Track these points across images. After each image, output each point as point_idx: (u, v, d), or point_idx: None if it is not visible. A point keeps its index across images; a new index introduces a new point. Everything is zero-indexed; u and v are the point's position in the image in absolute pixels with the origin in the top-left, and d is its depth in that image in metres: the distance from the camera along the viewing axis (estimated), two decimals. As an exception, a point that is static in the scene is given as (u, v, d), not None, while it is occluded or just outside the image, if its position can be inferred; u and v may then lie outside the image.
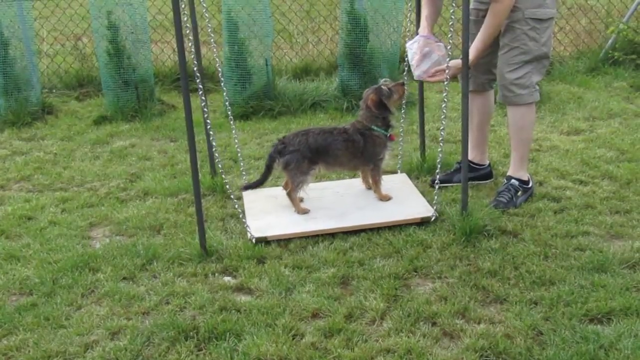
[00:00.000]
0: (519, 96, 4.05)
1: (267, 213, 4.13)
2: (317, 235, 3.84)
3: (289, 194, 4.14)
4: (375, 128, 4.12)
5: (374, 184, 4.26)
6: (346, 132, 4.12)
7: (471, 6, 4.15)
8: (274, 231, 3.87)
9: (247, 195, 4.38)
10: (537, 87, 4.09)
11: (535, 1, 3.89)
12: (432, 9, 4.25)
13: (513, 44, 3.97)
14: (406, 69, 4.41)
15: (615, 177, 4.52)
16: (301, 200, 4.19)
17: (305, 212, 4.11)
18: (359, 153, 4.13)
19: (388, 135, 4.16)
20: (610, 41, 7.53)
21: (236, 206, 4.06)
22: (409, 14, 4.62)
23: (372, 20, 6.31)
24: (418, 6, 4.58)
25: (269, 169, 4.16)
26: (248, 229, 3.86)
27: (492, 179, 4.56)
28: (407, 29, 4.84)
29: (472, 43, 3.93)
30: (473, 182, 4.44)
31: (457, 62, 3.88)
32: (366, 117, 4.13)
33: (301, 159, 4.02)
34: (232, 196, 4.09)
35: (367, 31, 6.27)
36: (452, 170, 4.56)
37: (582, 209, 4.07)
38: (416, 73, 4.16)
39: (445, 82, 3.88)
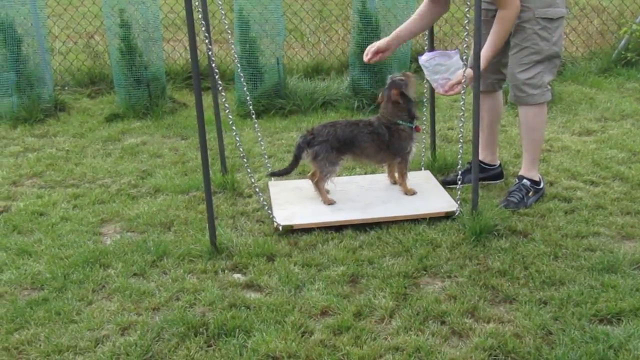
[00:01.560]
0: (530, 96, 4.04)
1: (292, 203, 4.20)
2: (328, 234, 3.85)
3: (316, 184, 4.20)
4: (400, 122, 4.16)
5: (400, 177, 4.31)
6: (371, 124, 4.18)
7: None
8: (300, 220, 3.94)
9: (273, 187, 4.46)
10: (549, 87, 4.08)
11: (545, 0, 3.88)
12: (413, 26, 4.30)
13: (524, 43, 3.96)
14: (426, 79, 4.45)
15: (627, 178, 4.50)
16: (327, 192, 4.24)
17: (331, 203, 4.17)
18: (384, 146, 4.18)
19: (414, 127, 4.21)
20: (622, 42, 7.50)
21: (261, 199, 4.10)
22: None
23: (384, 19, 6.31)
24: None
25: (297, 159, 4.21)
26: (274, 218, 3.92)
27: (502, 179, 4.55)
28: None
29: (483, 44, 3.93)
30: (484, 182, 4.43)
31: (469, 72, 3.87)
32: (390, 112, 4.18)
33: (330, 150, 4.08)
34: (256, 188, 4.11)
35: (379, 30, 6.27)
36: (462, 170, 4.54)
37: (593, 210, 4.06)
38: (436, 87, 4.15)
39: (462, 92, 3.88)
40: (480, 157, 4.47)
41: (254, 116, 4.66)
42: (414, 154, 4.31)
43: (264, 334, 2.93)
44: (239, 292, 3.30)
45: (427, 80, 4.25)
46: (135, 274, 3.53)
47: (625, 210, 4.05)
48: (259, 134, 4.71)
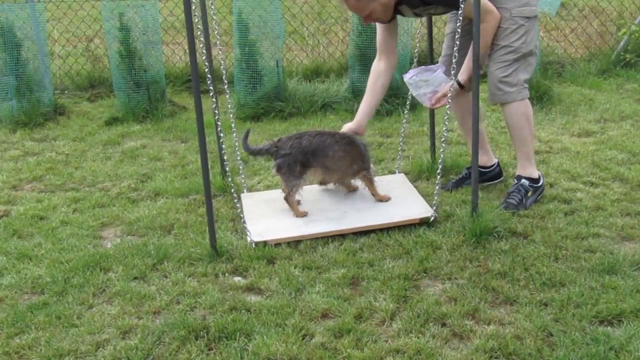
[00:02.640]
0: (507, 94, 4.04)
1: (266, 217, 4.11)
2: (326, 236, 3.84)
3: (285, 198, 4.11)
4: None
5: (371, 187, 4.23)
6: (349, 136, 4.13)
7: (452, 28, 4.24)
8: (273, 235, 3.85)
9: (246, 199, 4.38)
10: (525, 85, 4.09)
11: (521, 0, 3.94)
12: (373, 95, 4.37)
13: (502, 42, 3.99)
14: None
15: (626, 179, 4.50)
16: (298, 203, 4.19)
17: (303, 215, 4.09)
18: (360, 157, 4.13)
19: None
20: (622, 43, 7.51)
21: (240, 211, 4.06)
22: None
23: (383, 21, 6.31)
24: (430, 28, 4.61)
25: (257, 152, 4.15)
26: (248, 233, 3.85)
27: (502, 178, 4.55)
28: (417, 31, 4.84)
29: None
30: (483, 183, 4.44)
31: (455, 85, 3.98)
32: None
33: (293, 163, 4.00)
34: (235, 200, 4.07)
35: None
36: (460, 176, 4.53)
37: (593, 211, 4.06)
38: (423, 101, 4.22)
39: (448, 106, 3.93)
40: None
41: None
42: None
43: (265, 337, 2.93)
44: (240, 295, 3.30)
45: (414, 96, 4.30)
46: (135, 278, 3.53)
47: (625, 212, 4.05)
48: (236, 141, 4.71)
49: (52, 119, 6.44)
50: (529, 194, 4.16)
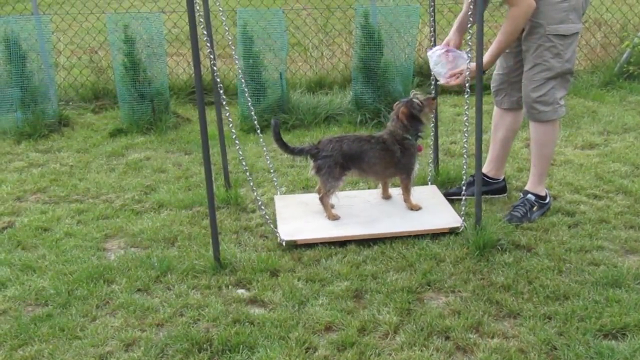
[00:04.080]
0: (543, 113, 4.03)
1: (297, 218, 4.20)
2: (331, 248, 3.85)
3: (321, 199, 4.20)
4: (409, 137, 4.18)
5: (405, 193, 4.30)
6: (385, 141, 4.17)
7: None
8: (303, 235, 3.94)
9: (279, 201, 4.48)
10: (562, 103, 4.05)
11: (557, 17, 3.84)
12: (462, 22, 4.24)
13: (536, 60, 3.94)
14: (433, 82, 4.52)
15: (630, 191, 4.50)
16: (332, 206, 4.24)
17: (335, 218, 4.17)
18: (394, 162, 4.18)
19: (417, 145, 4.23)
20: (625, 55, 7.52)
21: (264, 214, 4.11)
22: (423, 28, 4.64)
23: (387, 34, 6.34)
24: (433, 21, 4.61)
25: (297, 151, 4.18)
26: (277, 233, 3.94)
27: (505, 194, 4.55)
28: (420, 43, 4.85)
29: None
30: (486, 195, 4.43)
31: (473, 65, 3.86)
32: (399, 127, 4.19)
33: (333, 165, 4.08)
34: (259, 203, 4.14)
35: (381, 45, 6.30)
36: (466, 182, 4.54)
37: (597, 224, 4.06)
38: (439, 77, 4.20)
39: (466, 83, 3.91)
40: (485, 170, 4.48)
41: (259, 131, 4.67)
42: (417, 171, 4.31)
43: (268, 349, 2.93)
44: (243, 308, 3.30)
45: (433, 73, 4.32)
46: (139, 290, 3.53)
47: (629, 224, 4.04)
48: (265, 149, 4.71)
49: (56, 131, 6.46)
50: (534, 208, 4.16)
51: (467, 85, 3.90)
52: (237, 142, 4.02)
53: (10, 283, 3.64)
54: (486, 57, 3.94)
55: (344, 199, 4.39)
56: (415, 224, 4.04)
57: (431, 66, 4.22)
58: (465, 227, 3.98)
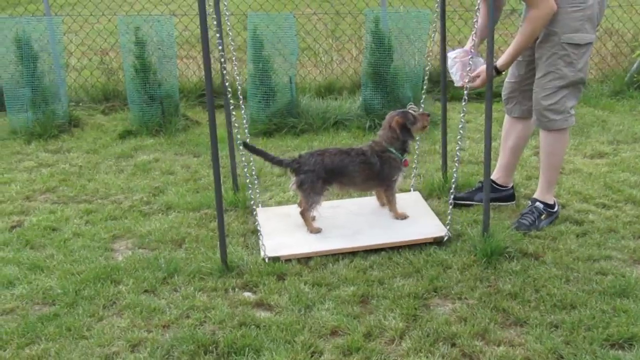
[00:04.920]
0: (552, 121, 4.02)
1: (280, 232, 4.12)
2: (337, 253, 3.84)
3: (301, 213, 4.14)
4: (392, 150, 4.15)
5: (389, 203, 4.28)
6: (364, 154, 4.14)
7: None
8: (286, 251, 3.87)
9: (261, 213, 4.40)
10: (572, 112, 4.04)
11: (572, 26, 3.82)
12: (483, 22, 4.17)
13: (549, 68, 3.93)
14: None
15: (639, 201, 4.48)
16: (314, 219, 4.20)
17: (318, 231, 4.11)
18: (374, 175, 4.15)
19: (403, 160, 4.19)
20: (635, 65, 7.50)
21: (256, 223, 4.09)
22: (433, 35, 4.64)
23: (397, 40, 6.35)
24: (443, 27, 4.61)
25: (276, 161, 4.17)
26: (262, 248, 3.87)
27: (513, 201, 4.54)
28: (430, 50, 4.86)
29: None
30: (494, 203, 4.42)
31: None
32: (386, 137, 4.17)
33: (316, 180, 4.03)
34: (254, 212, 4.11)
35: (391, 51, 6.30)
36: (474, 188, 4.55)
37: (605, 233, 4.04)
38: (455, 79, 4.20)
39: (462, 124, 3.95)
40: (494, 177, 4.47)
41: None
42: (400, 182, 4.28)
43: (274, 353, 2.93)
44: (249, 311, 3.31)
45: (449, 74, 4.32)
46: (146, 291, 3.54)
47: (638, 234, 4.03)
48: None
49: (66, 131, 6.49)
50: (543, 216, 4.15)
51: (466, 93, 3.89)
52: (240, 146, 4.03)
53: (18, 282, 3.66)
54: (503, 58, 3.96)
55: (327, 209, 4.32)
56: (399, 235, 3.99)
57: (449, 68, 4.23)
58: (450, 237, 3.95)
